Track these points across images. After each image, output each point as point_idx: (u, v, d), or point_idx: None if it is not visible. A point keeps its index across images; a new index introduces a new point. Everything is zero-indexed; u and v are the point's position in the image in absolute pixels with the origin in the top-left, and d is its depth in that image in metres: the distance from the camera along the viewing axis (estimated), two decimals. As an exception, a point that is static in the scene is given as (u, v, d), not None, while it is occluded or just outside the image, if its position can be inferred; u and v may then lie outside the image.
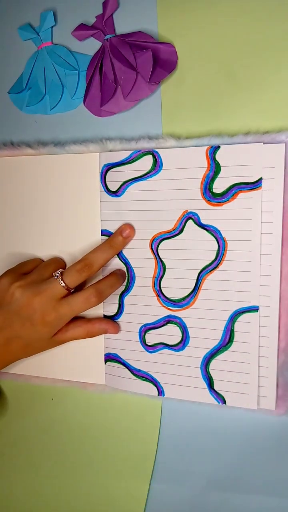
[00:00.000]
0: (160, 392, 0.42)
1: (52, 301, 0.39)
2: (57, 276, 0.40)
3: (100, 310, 0.45)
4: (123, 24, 0.42)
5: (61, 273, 0.40)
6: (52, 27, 0.44)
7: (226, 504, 0.42)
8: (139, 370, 0.43)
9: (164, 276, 0.41)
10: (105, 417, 0.46)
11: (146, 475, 0.45)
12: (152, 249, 0.42)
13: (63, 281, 0.39)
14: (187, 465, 0.43)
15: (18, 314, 0.40)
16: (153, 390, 0.43)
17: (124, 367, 0.44)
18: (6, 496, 0.50)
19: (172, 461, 0.44)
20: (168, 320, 0.42)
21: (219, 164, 0.38)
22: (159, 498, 0.45)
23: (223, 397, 0.40)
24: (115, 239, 0.42)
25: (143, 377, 0.43)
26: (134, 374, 0.43)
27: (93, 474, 0.48)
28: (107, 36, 0.42)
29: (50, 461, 0.49)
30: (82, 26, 0.43)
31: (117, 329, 0.41)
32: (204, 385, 0.40)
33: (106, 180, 0.43)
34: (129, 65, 0.40)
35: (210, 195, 0.39)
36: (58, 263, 0.44)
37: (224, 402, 0.40)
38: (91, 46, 0.43)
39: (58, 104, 0.45)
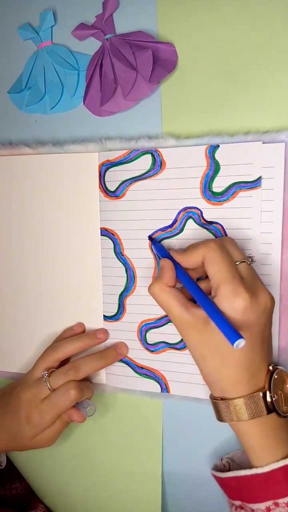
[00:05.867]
0: (163, 389, 0.42)
1: (36, 401, 0.41)
2: (45, 378, 0.41)
3: (100, 310, 0.45)
4: (123, 23, 0.42)
5: (49, 374, 0.42)
6: (52, 26, 0.44)
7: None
8: (142, 368, 0.43)
9: (164, 276, 0.41)
10: (106, 417, 0.46)
11: (155, 475, 0.45)
12: (151, 249, 0.42)
13: (49, 384, 0.41)
14: (194, 464, 0.43)
15: (9, 404, 0.42)
16: (156, 387, 0.43)
17: (126, 365, 0.44)
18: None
19: (179, 460, 0.44)
20: (168, 319, 0.41)
21: (219, 163, 0.38)
22: (173, 497, 0.45)
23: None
24: (108, 351, 0.43)
25: (145, 375, 0.43)
26: (136, 372, 0.43)
27: (95, 474, 0.48)
28: (107, 36, 0.42)
29: (51, 461, 0.49)
30: (82, 26, 0.43)
31: (82, 417, 0.41)
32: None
33: (105, 180, 0.43)
34: (129, 64, 0.40)
35: (210, 194, 0.39)
36: (51, 358, 0.43)
37: None
38: (91, 45, 0.43)
39: (58, 104, 0.45)
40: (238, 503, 0.36)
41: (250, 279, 0.33)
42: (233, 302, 0.32)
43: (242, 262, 0.34)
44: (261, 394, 0.33)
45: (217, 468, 0.40)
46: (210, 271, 0.33)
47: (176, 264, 0.36)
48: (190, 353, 0.35)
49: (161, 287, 0.35)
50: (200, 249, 0.34)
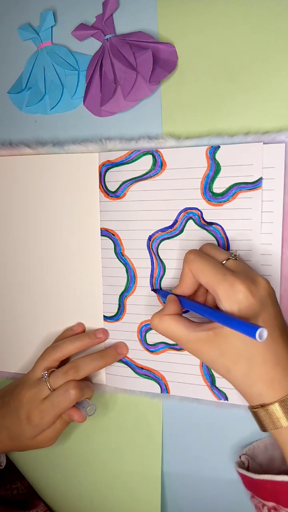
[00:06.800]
0: (163, 389, 0.42)
1: (36, 401, 0.41)
2: (45, 378, 0.41)
3: (100, 311, 0.45)
4: (123, 24, 0.42)
5: (49, 374, 0.42)
6: (52, 27, 0.44)
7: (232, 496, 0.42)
8: (141, 369, 0.43)
9: (164, 276, 0.41)
10: (106, 417, 0.46)
11: (155, 475, 0.45)
12: (152, 249, 0.42)
13: (49, 384, 0.41)
14: (194, 464, 0.43)
15: (9, 405, 0.42)
16: (156, 388, 0.43)
17: (126, 366, 0.44)
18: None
19: (179, 460, 0.44)
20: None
21: (219, 164, 0.38)
22: (172, 497, 0.45)
23: (225, 394, 0.40)
24: (108, 351, 0.43)
25: (145, 375, 0.43)
26: (136, 373, 0.43)
27: (95, 474, 0.48)
28: (107, 36, 0.42)
29: (51, 461, 0.49)
30: (82, 26, 0.43)
31: (83, 417, 0.41)
32: (206, 382, 0.41)
33: (106, 180, 0.43)
34: (129, 65, 0.40)
35: (210, 195, 0.39)
36: (50, 358, 0.43)
37: (226, 398, 0.40)
38: (91, 46, 0.43)
39: (58, 104, 0.45)
40: (271, 504, 0.35)
41: (242, 271, 0.33)
42: (234, 296, 0.31)
43: (228, 260, 0.34)
44: None
45: (238, 466, 0.39)
46: (202, 280, 0.33)
47: (181, 297, 0.36)
48: (214, 371, 0.34)
49: (160, 317, 0.35)
50: (184, 268, 0.35)
